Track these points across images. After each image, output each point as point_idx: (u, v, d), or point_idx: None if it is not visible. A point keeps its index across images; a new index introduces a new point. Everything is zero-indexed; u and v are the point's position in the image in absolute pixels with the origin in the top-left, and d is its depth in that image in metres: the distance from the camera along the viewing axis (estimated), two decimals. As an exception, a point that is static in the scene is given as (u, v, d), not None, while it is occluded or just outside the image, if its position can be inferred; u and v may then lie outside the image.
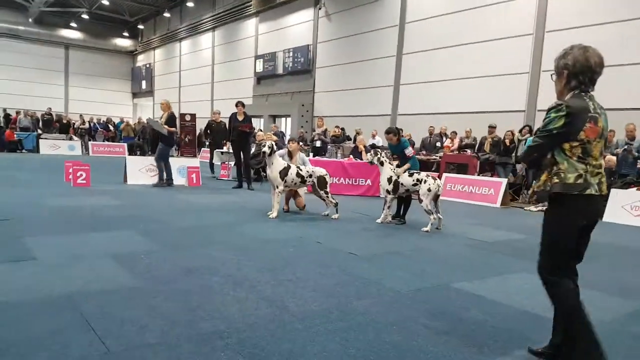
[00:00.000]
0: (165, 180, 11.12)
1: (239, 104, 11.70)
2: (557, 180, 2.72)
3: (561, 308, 2.85)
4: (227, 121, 12.60)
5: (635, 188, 9.53)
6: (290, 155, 8.53)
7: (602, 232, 8.30)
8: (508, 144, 12.56)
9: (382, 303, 3.78)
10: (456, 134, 14.97)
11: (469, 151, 13.83)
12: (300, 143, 14.67)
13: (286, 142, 12.68)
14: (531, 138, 11.41)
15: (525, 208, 10.86)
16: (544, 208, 10.09)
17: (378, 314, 3.52)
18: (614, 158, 10.53)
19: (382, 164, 7.64)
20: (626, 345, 3.24)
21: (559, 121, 2.68)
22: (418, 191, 7.35)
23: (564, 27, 14.72)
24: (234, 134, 11.46)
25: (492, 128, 13.26)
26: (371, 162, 7.86)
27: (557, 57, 2.92)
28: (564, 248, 2.81)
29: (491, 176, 12.73)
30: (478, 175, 12.92)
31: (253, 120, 12.41)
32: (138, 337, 2.92)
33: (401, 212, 7.90)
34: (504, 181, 11.44)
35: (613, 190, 9.66)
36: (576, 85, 2.80)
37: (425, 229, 7.17)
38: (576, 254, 2.90)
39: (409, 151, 7.70)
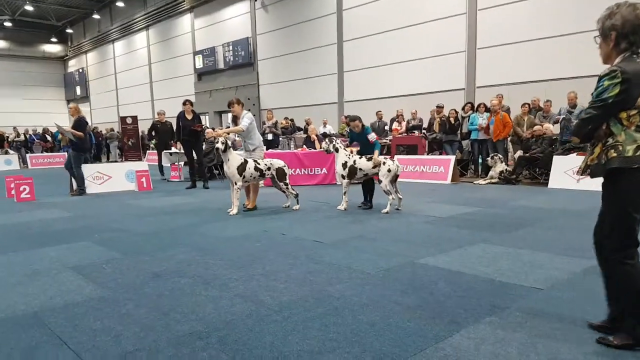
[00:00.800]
0: (77, 189, 10.66)
1: (187, 102, 11.50)
2: (614, 154, 2.52)
3: (634, 287, 2.61)
4: (173, 121, 12.35)
5: (576, 154, 10.08)
6: (235, 120, 8.21)
7: (547, 198, 8.83)
8: (453, 122, 12.96)
9: (354, 286, 3.86)
10: (403, 117, 15.29)
11: (416, 132, 14.17)
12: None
13: (235, 139, 12.59)
14: (486, 114, 11.80)
15: (474, 182, 11.29)
16: (492, 181, 10.44)
17: (352, 297, 3.60)
18: (551, 126, 11.10)
19: (337, 150, 7.73)
20: (581, 299, 3.47)
21: (615, 89, 2.47)
22: (377, 173, 7.49)
23: (494, 4, 15.29)
24: (184, 133, 11.23)
25: (439, 108, 13.64)
26: (327, 151, 7.92)
27: (602, 17, 2.64)
28: (632, 224, 2.59)
29: (440, 154, 13.12)
30: (427, 154, 13.28)
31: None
32: (114, 347, 2.86)
33: (367, 198, 8.02)
34: (452, 158, 11.82)
35: (556, 157, 10.20)
36: (626, 47, 2.55)
37: (384, 210, 7.34)
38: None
39: (372, 136, 7.75)
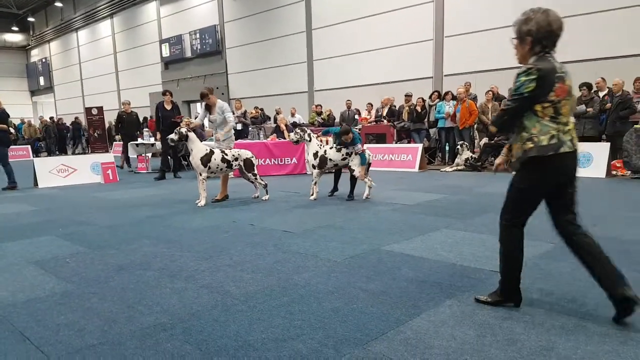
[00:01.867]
0: (8, 184, 10.44)
1: (167, 92, 11.41)
2: (531, 145, 2.83)
3: (504, 249, 3.15)
4: (140, 111, 12.19)
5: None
6: (209, 108, 8.11)
7: (505, 182, 9.01)
8: (420, 110, 13.12)
9: (321, 274, 3.92)
10: (372, 105, 15.38)
11: (384, 121, 14.28)
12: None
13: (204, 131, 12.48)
14: (452, 102, 11.96)
15: (441, 170, 11.49)
16: (458, 168, 10.65)
17: (318, 285, 3.66)
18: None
19: (310, 139, 7.71)
20: (540, 282, 3.61)
21: (531, 84, 2.78)
22: (349, 165, 7.53)
23: (461, -7, 15.43)
24: (164, 124, 11.08)
25: (408, 97, 13.76)
26: (296, 142, 7.88)
27: (519, 21, 2.95)
28: (528, 204, 3.00)
29: (408, 143, 13.28)
30: (396, 143, 13.42)
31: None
32: (77, 340, 2.84)
33: (341, 188, 8.06)
34: (419, 146, 11.99)
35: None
36: (540, 50, 2.89)
37: (365, 194, 7.57)
38: (533, 210, 3.05)
39: (358, 148, 7.53)
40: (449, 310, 3.11)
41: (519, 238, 3.07)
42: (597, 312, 3.02)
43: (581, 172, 9.07)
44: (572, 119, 2.97)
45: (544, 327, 2.84)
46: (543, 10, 2.90)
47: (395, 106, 14.58)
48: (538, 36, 2.85)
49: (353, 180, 7.73)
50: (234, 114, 16.10)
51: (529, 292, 3.37)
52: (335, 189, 8.12)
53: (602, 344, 2.60)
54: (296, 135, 7.84)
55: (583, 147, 9.63)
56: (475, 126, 12.31)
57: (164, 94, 11.45)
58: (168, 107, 11.23)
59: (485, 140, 11.74)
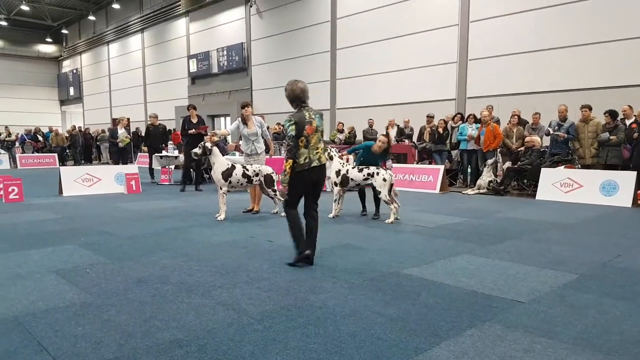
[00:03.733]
0: None
1: (191, 107, 11.71)
2: (296, 164, 4.63)
3: (290, 222, 4.82)
4: (166, 124, 12.47)
5: (564, 166, 10.19)
6: (245, 121, 8.25)
7: (534, 210, 8.91)
8: (442, 132, 13.04)
9: (338, 296, 3.87)
10: (396, 125, 15.38)
11: (406, 141, 14.24)
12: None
13: (226, 145, 12.65)
14: (475, 125, 11.84)
15: (463, 192, 11.36)
16: (480, 191, 10.54)
17: (335, 307, 3.61)
18: (538, 139, 11.19)
19: (331, 158, 7.73)
20: (563, 314, 3.50)
21: (292, 126, 4.59)
22: (373, 184, 7.48)
23: (486, 16, 15.45)
24: (190, 137, 11.32)
25: (430, 117, 13.73)
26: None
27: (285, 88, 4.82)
28: (297, 195, 4.83)
29: (429, 164, 13.19)
30: (417, 163, 13.34)
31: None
32: (94, 354, 2.84)
33: (364, 205, 8.16)
34: (441, 168, 11.89)
35: (544, 170, 10.29)
36: (296, 105, 4.77)
37: (388, 220, 7.33)
38: (301, 198, 4.87)
39: (390, 164, 7.95)
40: (469, 340, 3.02)
41: (295, 214, 4.81)
42: (622, 348, 2.90)
43: (606, 201, 8.99)
44: (321, 145, 4.79)
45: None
46: (290, 82, 4.81)
47: (407, 127, 14.59)
48: (290, 99, 4.80)
49: (377, 199, 7.74)
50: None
51: (553, 324, 3.27)
52: (364, 208, 8.10)
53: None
54: None
55: (608, 176, 9.46)
56: (499, 150, 12.17)
57: (188, 108, 11.73)
58: (194, 120, 11.51)
59: (508, 164, 11.59)
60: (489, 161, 11.18)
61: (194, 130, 11.33)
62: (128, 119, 19.17)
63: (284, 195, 4.95)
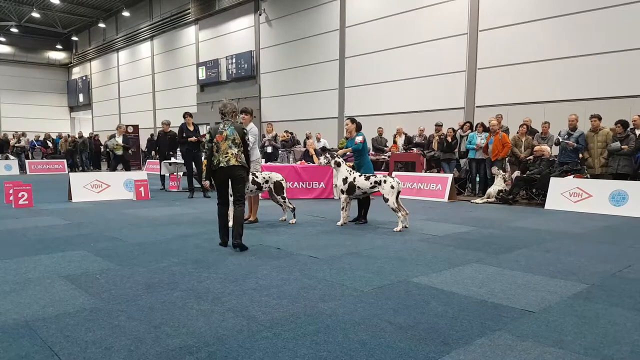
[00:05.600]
0: None
1: (187, 114, 11.83)
2: (212, 164, 5.86)
3: (219, 216, 6.09)
4: (175, 132, 12.59)
5: (573, 176, 10.14)
6: None
7: (543, 219, 8.86)
8: (450, 140, 13.03)
9: (347, 304, 3.87)
10: (405, 134, 15.39)
11: (415, 150, 14.23)
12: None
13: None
14: (484, 134, 11.82)
15: (472, 201, 11.32)
16: (489, 200, 10.47)
17: (344, 315, 3.61)
18: (548, 148, 11.15)
19: (338, 165, 7.74)
20: (573, 324, 3.47)
21: (207, 136, 5.98)
22: (381, 192, 7.46)
23: (495, 25, 15.47)
24: (188, 143, 11.48)
25: (438, 126, 13.73)
26: (327, 164, 7.95)
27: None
28: (218, 191, 6.01)
29: (437, 172, 13.17)
30: (425, 172, 13.32)
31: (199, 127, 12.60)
32: (104, 359, 2.86)
33: (362, 213, 8.06)
34: (449, 176, 11.87)
35: (553, 179, 10.24)
36: (221, 118, 6.03)
37: (396, 228, 7.30)
38: (226, 194, 6.05)
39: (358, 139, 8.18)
40: (479, 350, 3.01)
41: (219, 209, 6.05)
42: (633, 359, 2.88)
43: (616, 211, 8.92)
44: (232, 151, 5.78)
45: (580, 373, 2.72)
46: (221, 101, 6.24)
47: (422, 135, 14.58)
48: (220, 113, 6.04)
49: (364, 202, 8.01)
50: (264, 137, 16.35)
51: (563, 334, 3.25)
52: (360, 216, 8.08)
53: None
54: (325, 159, 7.92)
55: (617, 185, 9.40)
56: (507, 159, 12.13)
57: (184, 116, 11.95)
58: (191, 128, 11.67)
59: (517, 173, 11.54)
60: (500, 170, 11.14)
61: (194, 138, 11.46)
62: (127, 127, 19.17)
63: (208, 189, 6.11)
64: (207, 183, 6.27)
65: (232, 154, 5.77)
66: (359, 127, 8.28)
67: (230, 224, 6.25)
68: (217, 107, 6.07)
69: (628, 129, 10.14)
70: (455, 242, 6.45)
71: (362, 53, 19.70)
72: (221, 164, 5.78)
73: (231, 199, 6.14)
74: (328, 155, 8.01)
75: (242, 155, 5.89)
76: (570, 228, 7.68)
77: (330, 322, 3.47)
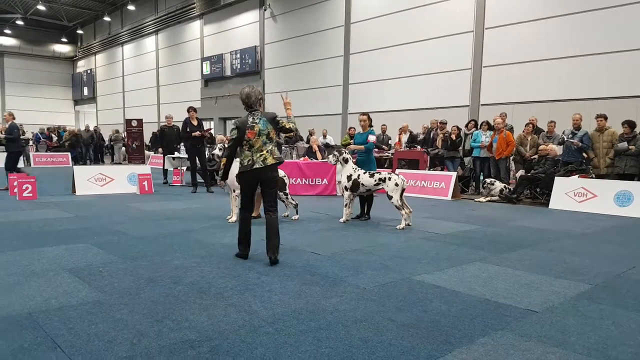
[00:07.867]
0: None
1: (191, 109, 11.77)
2: (240, 165, 4.96)
3: (240, 223, 5.21)
4: (179, 126, 12.57)
5: (577, 175, 10.09)
6: None
7: (547, 219, 8.82)
8: (454, 138, 12.98)
9: (349, 301, 3.86)
10: (410, 131, 15.35)
11: (418, 147, 14.19)
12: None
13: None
14: (489, 132, 11.79)
15: (475, 200, 11.29)
16: (492, 199, 10.44)
17: (346, 312, 3.60)
18: (555, 147, 11.10)
19: (346, 161, 7.72)
20: (577, 324, 3.46)
21: (235, 132, 4.95)
22: (385, 190, 7.43)
23: (501, 23, 15.40)
24: (191, 138, 11.45)
25: (442, 124, 13.68)
26: (336, 162, 7.93)
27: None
28: (245, 197, 5.12)
29: (441, 170, 13.13)
30: (429, 170, 13.29)
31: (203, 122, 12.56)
32: (107, 352, 2.86)
33: (365, 210, 8.06)
34: (453, 174, 11.83)
35: (557, 179, 10.20)
36: (246, 109, 5.06)
37: (399, 226, 7.27)
38: (253, 199, 5.21)
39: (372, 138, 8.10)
40: (482, 349, 3.00)
41: (243, 218, 5.17)
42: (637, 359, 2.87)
43: (620, 211, 8.88)
44: (267, 147, 4.91)
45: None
46: (243, 88, 5.13)
47: (422, 133, 14.54)
48: (243, 103, 5.06)
49: (370, 199, 8.01)
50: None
51: (567, 334, 3.23)
52: (362, 213, 8.07)
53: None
54: (334, 158, 7.87)
55: (622, 186, 9.35)
56: (512, 157, 12.09)
57: (188, 110, 11.83)
58: (194, 122, 11.60)
59: (521, 172, 11.50)
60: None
61: (198, 132, 11.43)
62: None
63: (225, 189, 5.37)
64: (222, 183, 5.70)
65: (267, 151, 4.88)
66: (370, 123, 8.29)
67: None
68: (240, 98, 5.09)
69: (635, 129, 10.09)
70: (459, 241, 6.43)
71: (367, 50, 19.65)
72: (256, 165, 4.84)
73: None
74: (336, 153, 7.93)
75: (277, 150, 5.07)
76: (575, 228, 7.65)
77: (332, 318, 3.46)
